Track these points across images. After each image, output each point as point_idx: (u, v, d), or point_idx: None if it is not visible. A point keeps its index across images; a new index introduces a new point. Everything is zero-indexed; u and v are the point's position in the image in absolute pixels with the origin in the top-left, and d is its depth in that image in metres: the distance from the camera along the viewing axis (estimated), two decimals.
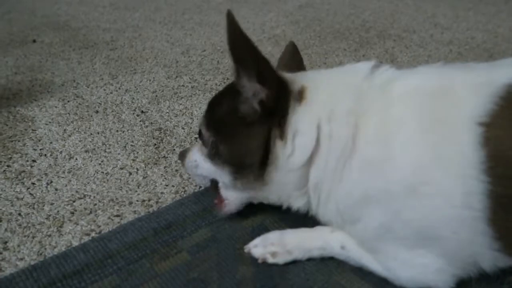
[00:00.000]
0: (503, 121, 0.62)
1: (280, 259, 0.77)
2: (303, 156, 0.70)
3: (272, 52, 1.77)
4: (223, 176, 0.78)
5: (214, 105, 0.79)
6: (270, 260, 0.77)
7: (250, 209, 0.88)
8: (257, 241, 0.79)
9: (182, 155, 0.88)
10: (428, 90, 0.67)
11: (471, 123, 0.62)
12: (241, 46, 0.66)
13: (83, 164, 1.07)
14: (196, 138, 1.17)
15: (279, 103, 0.70)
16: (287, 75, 0.75)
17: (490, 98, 0.62)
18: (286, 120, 0.70)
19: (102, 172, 1.04)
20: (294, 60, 0.92)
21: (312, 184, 0.72)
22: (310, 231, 0.79)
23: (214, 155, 0.77)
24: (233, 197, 0.81)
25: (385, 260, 0.70)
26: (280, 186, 0.75)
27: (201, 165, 0.82)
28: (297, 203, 0.77)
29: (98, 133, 1.20)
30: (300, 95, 0.71)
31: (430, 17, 2.26)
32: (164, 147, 1.13)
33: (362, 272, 0.73)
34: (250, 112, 0.71)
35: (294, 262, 0.76)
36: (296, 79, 0.74)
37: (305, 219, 0.80)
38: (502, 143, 0.61)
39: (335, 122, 0.68)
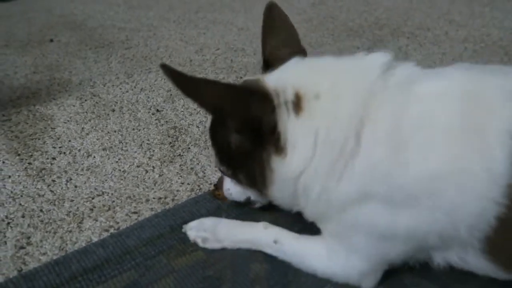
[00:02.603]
0: None
1: (209, 245, 0.81)
2: (300, 166, 0.65)
3: None
4: (253, 194, 0.81)
5: (213, 139, 0.75)
6: (201, 244, 0.81)
7: (264, 208, 0.90)
8: (194, 223, 0.84)
9: (217, 186, 0.90)
10: (458, 93, 0.60)
11: (505, 136, 0.55)
12: (191, 92, 0.61)
13: (101, 162, 1.09)
14: None
15: (264, 125, 0.64)
16: (274, 80, 0.67)
17: None
18: (281, 135, 0.64)
19: (120, 170, 1.06)
20: (285, 28, 0.77)
21: (301, 187, 0.67)
22: (244, 224, 0.83)
23: (238, 182, 0.78)
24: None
25: (344, 250, 0.69)
26: (281, 194, 0.72)
27: (233, 191, 0.84)
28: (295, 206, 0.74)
29: (115, 131, 1.23)
30: (297, 106, 0.64)
31: (444, 13, 2.23)
32: (179, 146, 1.15)
33: None
34: (241, 143, 0.68)
35: None
36: (287, 82, 0.65)
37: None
38: None
39: (334, 128, 0.62)
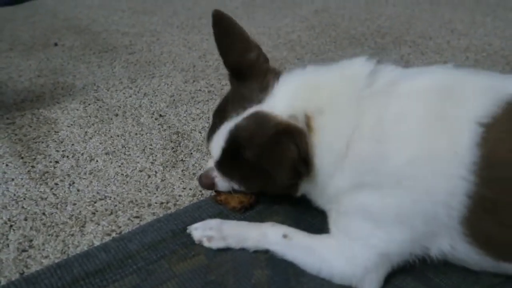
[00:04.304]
0: (505, 125, 0.64)
1: (214, 244, 0.81)
2: (317, 175, 0.74)
3: (287, 58, 1.78)
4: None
5: (249, 184, 0.84)
6: (206, 244, 0.81)
7: (266, 216, 0.90)
8: (198, 224, 0.85)
9: (219, 191, 0.93)
10: (434, 88, 0.70)
11: (471, 122, 0.64)
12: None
13: (104, 166, 1.10)
14: None
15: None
16: (284, 109, 0.73)
17: (496, 101, 0.65)
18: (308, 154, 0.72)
19: (122, 174, 1.07)
20: (238, 33, 0.81)
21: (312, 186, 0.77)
22: (250, 223, 0.85)
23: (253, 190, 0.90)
24: None
25: (346, 240, 0.73)
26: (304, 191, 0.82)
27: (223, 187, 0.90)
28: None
29: (118, 135, 1.24)
30: (308, 126, 0.72)
31: (447, 22, 2.24)
32: (182, 151, 1.16)
33: None
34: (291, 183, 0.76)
35: None
36: (296, 108, 0.73)
37: (322, 223, 0.82)
38: (499, 146, 0.64)
39: (336, 138, 0.71)
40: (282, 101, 0.74)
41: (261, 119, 0.74)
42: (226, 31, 0.81)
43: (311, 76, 0.78)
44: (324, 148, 0.71)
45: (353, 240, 0.73)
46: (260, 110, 0.75)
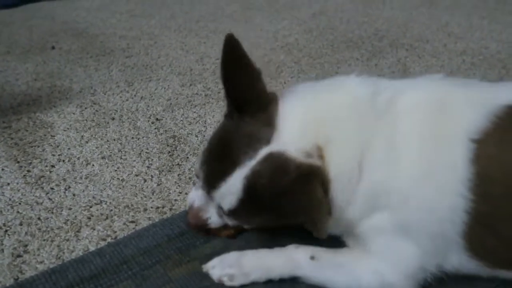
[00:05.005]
0: (495, 139, 0.65)
1: (237, 282, 0.75)
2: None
3: (284, 61, 1.79)
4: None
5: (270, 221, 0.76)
6: (228, 283, 0.75)
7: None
8: (215, 261, 0.78)
9: (212, 230, 0.86)
10: (428, 106, 0.71)
11: (464, 138, 0.66)
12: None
13: (100, 170, 1.10)
14: None
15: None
16: (296, 146, 0.69)
17: (487, 116, 0.66)
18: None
19: (118, 179, 1.07)
20: (247, 61, 0.74)
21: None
22: (272, 250, 0.79)
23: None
24: None
25: (373, 258, 0.73)
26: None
27: (217, 222, 0.82)
28: None
29: (114, 139, 1.23)
30: (320, 156, 0.69)
31: (443, 26, 2.25)
32: (178, 155, 1.16)
33: None
34: None
35: None
36: (306, 142, 0.69)
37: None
38: (491, 162, 0.65)
39: (347, 162, 0.70)
40: (290, 137, 0.70)
41: (278, 161, 0.69)
42: (235, 61, 0.73)
43: (310, 104, 0.73)
44: (338, 176, 0.69)
45: (379, 259, 0.72)
46: (274, 151, 0.69)
